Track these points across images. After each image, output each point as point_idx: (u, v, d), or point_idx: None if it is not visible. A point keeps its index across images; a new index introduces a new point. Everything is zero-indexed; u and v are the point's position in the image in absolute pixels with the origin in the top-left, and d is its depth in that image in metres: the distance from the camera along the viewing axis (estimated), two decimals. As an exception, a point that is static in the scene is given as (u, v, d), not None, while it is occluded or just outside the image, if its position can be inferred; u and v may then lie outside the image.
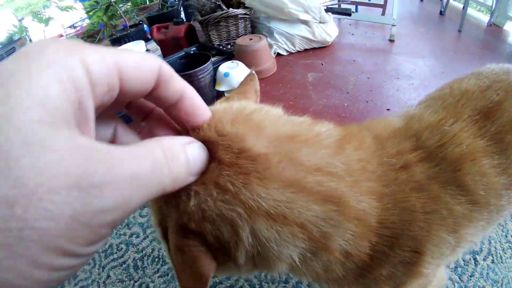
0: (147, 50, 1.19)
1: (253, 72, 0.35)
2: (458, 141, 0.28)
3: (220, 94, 1.12)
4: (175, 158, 0.16)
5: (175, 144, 0.17)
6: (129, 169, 0.13)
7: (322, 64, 1.29)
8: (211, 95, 1.08)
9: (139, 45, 1.19)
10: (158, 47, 1.29)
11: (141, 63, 0.16)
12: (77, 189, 0.12)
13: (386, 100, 1.10)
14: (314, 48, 1.39)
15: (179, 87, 0.19)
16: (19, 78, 0.12)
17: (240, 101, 0.28)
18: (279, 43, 1.31)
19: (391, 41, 1.52)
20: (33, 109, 0.12)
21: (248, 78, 0.35)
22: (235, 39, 1.31)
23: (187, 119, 0.20)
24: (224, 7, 1.28)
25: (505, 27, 1.53)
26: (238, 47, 1.17)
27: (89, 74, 0.14)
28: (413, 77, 1.23)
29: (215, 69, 1.07)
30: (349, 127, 0.30)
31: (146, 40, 1.47)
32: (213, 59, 1.13)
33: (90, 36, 1.76)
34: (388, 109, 1.07)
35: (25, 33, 1.80)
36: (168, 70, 0.18)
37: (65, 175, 0.11)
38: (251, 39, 1.18)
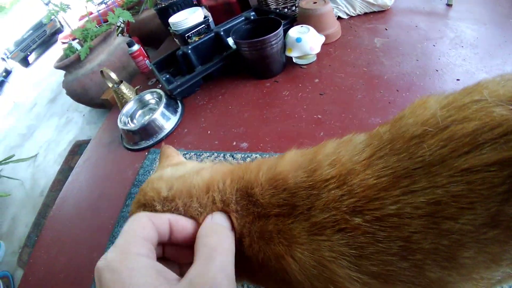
0: (205, 17, 1.09)
1: (164, 144, 0.46)
2: None
3: (289, 60, 1.05)
4: None
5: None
6: None
7: (386, 29, 1.22)
8: (281, 62, 1.02)
9: (197, 12, 1.08)
10: (209, 14, 1.19)
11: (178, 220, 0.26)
12: None
13: (455, 70, 1.07)
14: (374, 12, 1.31)
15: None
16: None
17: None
18: (340, 6, 1.24)
19: (449, 5, 1.43)
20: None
21: (164, 148, 0.45)
22: (292, 2, 1.21)
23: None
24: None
25: None
26: (302, 11, 1.09)
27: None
28: (477, 45, 1.18)
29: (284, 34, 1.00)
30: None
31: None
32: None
33: (130, 8, 1.61)
34: (458, 79, 1.04)
35: (54, 16, 1.67)
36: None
37: None
38: (315, 2, 1.10)
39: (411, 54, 1.11)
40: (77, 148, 1.97)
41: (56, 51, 4.49)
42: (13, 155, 2.10)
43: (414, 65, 1.06)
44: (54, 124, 2.42)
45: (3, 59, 5.75)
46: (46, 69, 3.72)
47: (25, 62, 5.40)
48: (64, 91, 1.82)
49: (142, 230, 0.23)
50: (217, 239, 0.24)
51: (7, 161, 2.04)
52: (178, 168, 0.35)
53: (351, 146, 0.27)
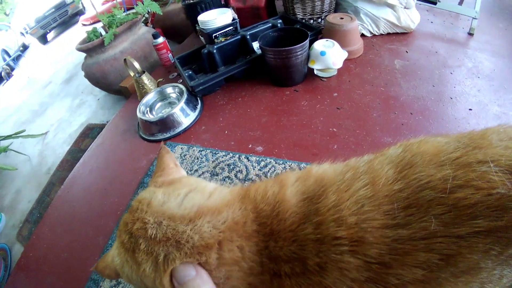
0: (233, 19, 1.12)
1: (163, 145, 0.42)
2: None
3: (310, 71, 1.08)
4: None
5: None
6: None
7: (407, 51, 1.25)
8: (303, 72, 1.05)
9: (227, 13, 1.11)
10: (236, 15, 1.22)
11: None
12: None
13: (469, 100, 1.09)
14: (397, 33, 1.34)
15: None
16: None
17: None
18: (364, 24, 1.27)
19: (471, 34, 1.45)
20: None
21: (162, 152, 0.41)
22: (318, 14, 1.24)
23: None
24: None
25: None
26: (328, 25, 1.12)
27: None
28: (493, 78, 1.21)
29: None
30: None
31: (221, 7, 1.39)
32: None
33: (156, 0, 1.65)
34: (470, 109, 1.06)
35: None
36: None
37: None
38: (342, 18, 1.12)
39: (428, 79, 1.13)
40: (89, 131, 1.99)
41: (76, 32, 4.54)
42: (24, 130, 2.13)
43: (430, 90, 1.09)
44: (67, 105, 2.45)
45: (22, 34, 5.83)
46: (64, 48, 3.76)
47: (43, 39, 5.47)
48: (80, 73, 1.84)
49: None
50: None
51: (17, 135, 2.06)
52: (170, 195, 0.33)
53: (354, 198, 0.28)
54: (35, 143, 2.23)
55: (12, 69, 4.41)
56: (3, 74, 4.19)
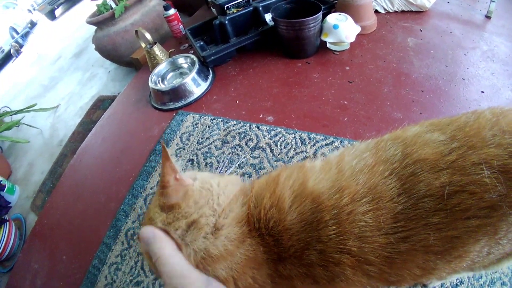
0: None
1: (163, 143, 0.38)
2: None
3: (323, 44, 1.07)
4: None
5: None
6: None
7: (421, 30, 1.23)
8: (315, 45, 1.05)
9: None
10: None
11: None
12: None
13: (481, 82, 1.08)
14: (411, 11, 1.31)
15: None
16: None
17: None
18: (379, 0, 1.24)
19: (488, 17, 1.41)
20: None
21: (162, 158, 0.37)
22: (333, -13, 1.21)
23: None
24: None
25: None
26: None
27: None
28: (508, 62, 1.19)
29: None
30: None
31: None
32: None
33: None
34: (482, 92, 1.05)
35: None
36: None
37: None
38: (356, -8, 1.09)
39: (441, 59, 1.12)
40: (100, 103, 2.01)
41: (83, 7, 4.49)
42: (35, 104, 2.16)
43: (442, 70, 1.08)
44: (78, 78, 2.46)
45: (30, 10, 5.79)
46: (72, 23, 3.74)
47: (51, 15, 5.43)
48: (90, 47, 1.84)
49: None
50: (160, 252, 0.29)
51: (28, 109, 2.10)
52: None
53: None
54: (47, 116, 2.27)
55: (21, 46, 4.42)
56: (12, 51, 4.21)
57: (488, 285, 0.58)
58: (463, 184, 0.26)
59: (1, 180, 1.63)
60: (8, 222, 1.41)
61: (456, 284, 0.58)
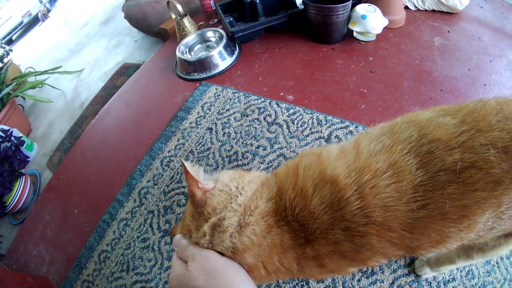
0: None
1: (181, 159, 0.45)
2: None
3: (349, 32, 1.09)
4: None
5: None
6: None
7: (449, 31, 1.22)
8: (342, 32, 1.07)
9: None
10: None
11: None
12: None
13: (502, 91, 1.08)
14: (442, 12, 1.30)
15: None
16: None
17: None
18: (410, -4, 1.23)
19: (520, 27, 1.39)
20: None
21: (185, 173, 0.41)
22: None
23: None
24: None
25: None
26: (373, -10, 1.10)
27: None
28: (535, 75, 1.16)
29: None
30: None
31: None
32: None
33: None
34: None
35: None
36: None
37: None
38: (388, -14, 1.10)
39: (465, 62, 1.12)
40: (125, 70, 2.06)
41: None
42: (60, 66, 2.23)
43: (464, 73, 1.08)
44: (104, 45, 2.50)
45: (59, -25, 5.84)
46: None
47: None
48: (118, 15, 1.86)
49: None
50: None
51: (53, 71, 2.16)
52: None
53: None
54: (70, 79, 2.33)
55: (49, 10, 4.50)
56: (39, 15, 4.28)
57: (479, 287, 0.60)
58: (473, 161, 0.31)
59: (21, 136, 1.69)
60: (24, 176, 1.46)
61: (448, 280, 0.62)
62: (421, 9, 1.28)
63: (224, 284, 0.32)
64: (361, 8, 1.04)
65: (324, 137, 0.84)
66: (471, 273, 0.61)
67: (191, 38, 1.19)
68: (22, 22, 3.98)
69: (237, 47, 1.15)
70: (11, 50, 2.37)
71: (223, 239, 0.36)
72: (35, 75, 2.16)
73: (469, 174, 0.31)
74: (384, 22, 1.06)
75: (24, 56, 3.01)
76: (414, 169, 0.32)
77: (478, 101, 0.37)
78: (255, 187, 0.41)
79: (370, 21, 1.02)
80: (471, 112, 0.35)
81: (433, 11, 1.30)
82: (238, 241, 0.36)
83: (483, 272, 0.61)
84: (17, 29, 3.84)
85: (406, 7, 1.26)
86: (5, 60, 2.25)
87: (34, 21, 4.17)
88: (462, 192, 0.31)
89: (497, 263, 0.62)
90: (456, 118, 0.35)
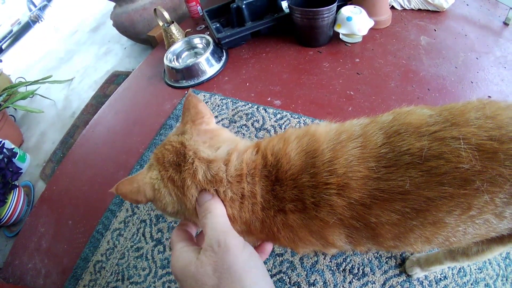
0: None
1: (192, 93, 0.42)
2: None
3: (336, 35, 1.10)
4: None
5: None
6: None
7: (435, 30, 1.23)
8: (328, 35, 1.07)
9: None
10: None
11: None
12: None
13: (490, 87, 1.08)
14: (428, 11, 1.31)
15: None
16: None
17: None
18: (396, -4, 1.24)
19: (506, 24, 1.40)
20: None
21: (194, 101, 0.42)
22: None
23: None
24: None
25: None
26: (359, -8, 1.11)
27: None
28: (520, 70, 1.17)
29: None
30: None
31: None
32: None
33: None
34: (489, 96, 1.06)
35: None
36: None
37: None
38: (373, -14, 1.11)
39: (451, 60, 1.12)
40: (114, 78, 2.05)
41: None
42: (50, 76, 2.21)
43: (451, 71, 1.09)
44: (94, 52, 2.49)
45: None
46: None
47: (69, -10, 5.46)
48: (107, 22, 1.85)
49: None
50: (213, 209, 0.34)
51: (43, 80, 2.15)
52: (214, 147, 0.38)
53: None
54: (61, 88, 2.32)
55: (38, 18, 4.48)
56: (30, 20, 4.26)
57: (471, 284, 0.60)
58: (441, 152, 0.30)
59: (13, 148, 1.67)
60: (17, 188, 1.45)
61: (440, 278, 0.62)
62: (407, 8, 1.29)
63: None
64: (346, 10, 1.05)
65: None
66: (462, 270, 0.62)
67: (178, 46, 1.19)
68: (11, 31, 3.94)
69: (224, 53, 1.15)
70: (0, 60, 2.35)
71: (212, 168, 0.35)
72: (26, 85, 2.15)
73: (435, 164, 0.29)
74: (370, 23, 1.06)
75: (14, 65, 2.99)
76: (379, 144, 0.33)
77: (461, 102, 0.37)
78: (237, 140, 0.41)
79: (356, 23, 1.03)
80: (450, 108, 0.34)
81: (419, 10, 1.30)
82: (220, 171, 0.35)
83: (475, 269, 0.62)
84: (7, 38, 3.80)
85: (392, 7, 1.27)
86: (-5, 71, 2.22)
87: (24, 30, 4.14)
88: (426, 180, 0.29)
89: (488, 259, 0.63)
90: (434, 111, 0.34)
